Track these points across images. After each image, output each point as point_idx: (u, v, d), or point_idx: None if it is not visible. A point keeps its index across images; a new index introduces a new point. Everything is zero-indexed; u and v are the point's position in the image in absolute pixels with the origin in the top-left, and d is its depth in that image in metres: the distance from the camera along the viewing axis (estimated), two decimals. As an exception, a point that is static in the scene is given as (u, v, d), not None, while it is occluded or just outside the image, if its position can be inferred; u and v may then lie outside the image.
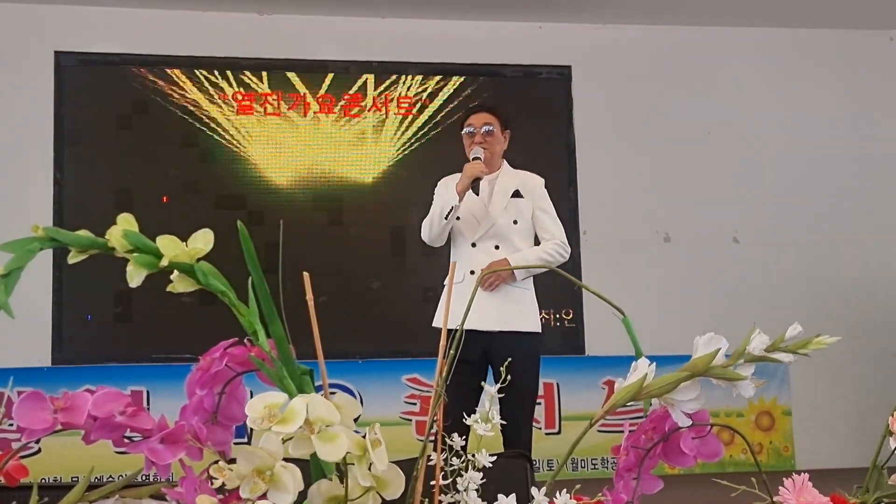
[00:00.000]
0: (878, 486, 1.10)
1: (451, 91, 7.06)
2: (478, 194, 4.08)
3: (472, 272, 4.06)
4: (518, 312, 4.14)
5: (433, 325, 4.26)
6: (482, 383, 1.06)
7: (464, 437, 1.04)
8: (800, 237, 7.26)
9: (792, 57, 7.49)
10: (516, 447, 3.77)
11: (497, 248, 4.17)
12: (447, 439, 0.99)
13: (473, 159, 4.13)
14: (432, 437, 0.98)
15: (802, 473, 1.01)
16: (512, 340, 4.06)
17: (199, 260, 0.87)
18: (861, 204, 7.38)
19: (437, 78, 7.08)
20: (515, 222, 4.22)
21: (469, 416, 1.02)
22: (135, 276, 0.86)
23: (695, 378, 0.93)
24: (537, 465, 6.36)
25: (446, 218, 4.05)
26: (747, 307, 6.80)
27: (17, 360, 6.06)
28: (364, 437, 0.83)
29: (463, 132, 4.30)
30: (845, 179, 7.40)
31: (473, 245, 4.17)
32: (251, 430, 0.82)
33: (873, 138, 7.52)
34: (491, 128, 4.28)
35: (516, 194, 4.23)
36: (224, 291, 0.87)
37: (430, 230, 4.13)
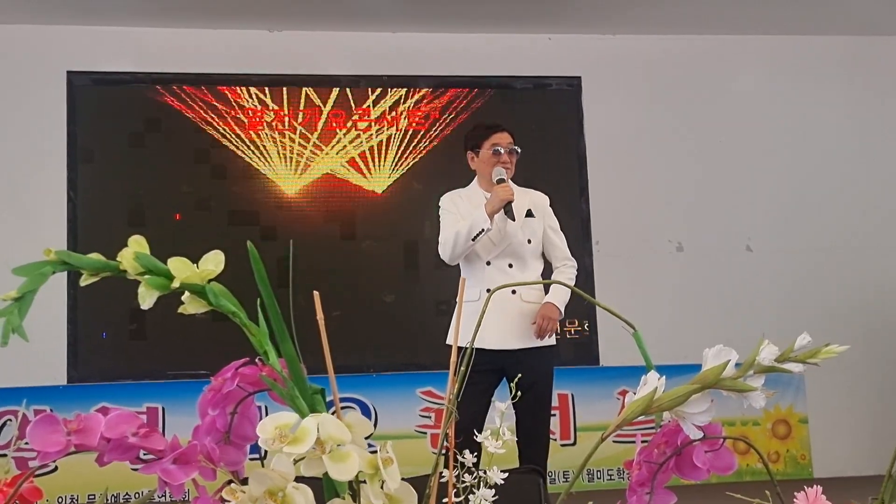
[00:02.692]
0: (894, 496, 1.09)
1: (462, 104, 7.08)
2: (514, 219, 4.10)
3: (488, 290, 4.05)
4: (533, 329, 4.16)
5: (447, 342, 4.26)
6: (505, 401, 1.06)
7: (475, 453, 1.04)
8: (813, 244, 7.24)
9: (802, 64, 7.48)
10: (535, 461, 3.78)
11: (511, 266, 4.19)
12: (459, 456, 1.00)
13: (498, 181, 4.12)
14: (444, 453, 0.98)
15: (816, 486, 1.01)
16: (530, 356, 4.08)
17: (210, 280, 0.88)
18: (874, 210, 7.36)
19: (448, 91, 7.09)
20: (529, 241, 4.24)
21: (481, 431, 1.02)
22: (146, 298, 0.86)
23: (705, 390, 0.93)
24: (553, 477, 6.34)
25: (473, 239, 4.06)
26: (761, 315, 6.78)
27: (33, 379, 6.09)
28: (376, 453, 0.84)
29: (486, 150, 4.28)
30: (858, 186, 7.38)
31: (488, 263, 4.18)
32: (266, 450, 0.82)
33: (885, 144, 7.50)
34: (516, 148, 4.31)
35: (529, 213, 4.25)
36: (235, 312, 0.88)
37: (454, 249, 4.12)
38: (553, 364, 4.26)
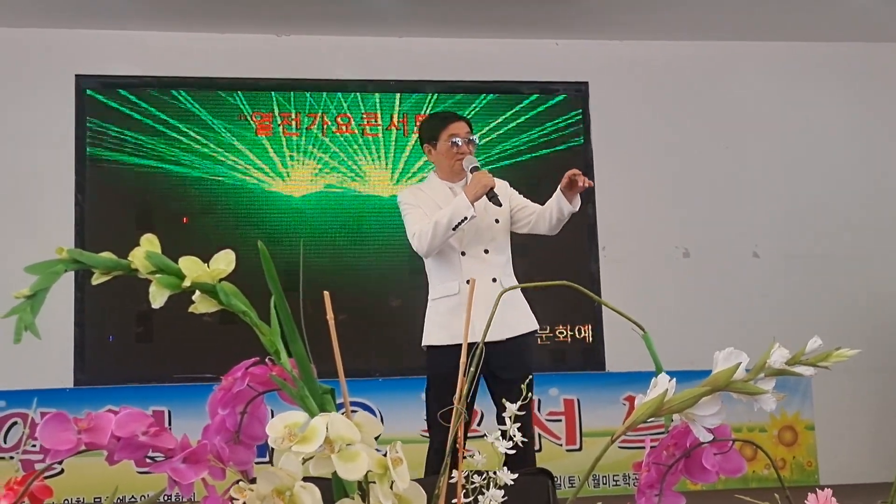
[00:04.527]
0: (903, 501, 1.09)
1: (469, 108, 7.08)
2: (500, 205, 3.98)
3: (468, 282, 3.93)
4: (515, 316, 4.03)
5: (423, 344, 4.12)
6: (506, 400, 1.05)
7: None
8: (820, 250, 7.22)
9: (809, 71, 7.47)
10: (524, 460, 3.69)
11: (487, 251, 4.09)
12: (468, 457, 0.99)
13: (472, 169, 4.03)
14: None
15: (826, 489, 1.00)
16: (512, 347, 3.96)
17: (220, 280, 0.88)
18: (880, 216, 7.34)
19: (455, 95, 7.10)
20: (497, 221, 4.13)
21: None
22: (158, 297, 0.86)
23: (715, 393, 0.93)
24: (559, 482, 6.33)
25: (454, 228, 3.93)
26: (768, 322, 6.76)
27: (40, 382, 6.10)
28: (385, 455, 0.84)
29: (443, 142, 4.17)
30: (864, 192, 7.36)
31: (463, 254, 4.07)
32: (272, 449, 0.82)
33: (891, 150, 7.48)
34: (474, 137, 4.22)
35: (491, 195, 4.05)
36: (246, 311, 0.88)
37: (433, 240, 3.96)
38: (534, 349, 4.16)
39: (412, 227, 4.10)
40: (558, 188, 4.01)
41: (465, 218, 3.91)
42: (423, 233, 4.00)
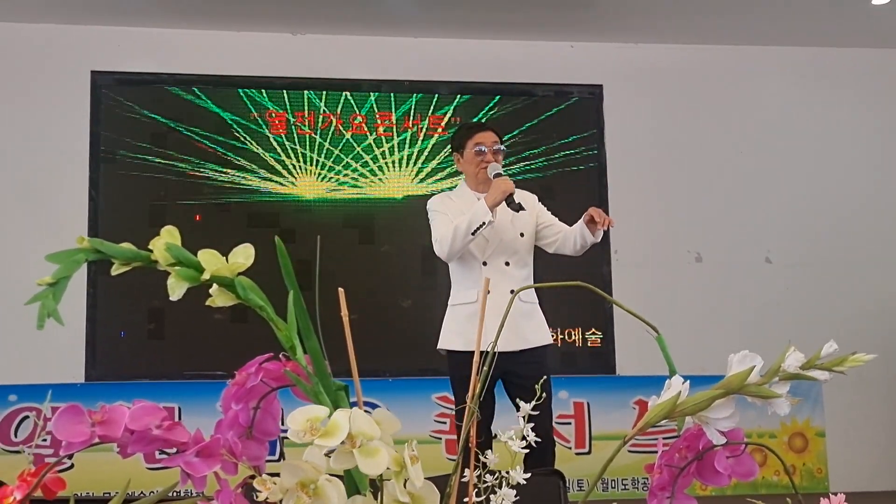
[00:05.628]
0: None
1: (483, 110, 7.08)
2: (517, 210, 4.02)
3: (489, 292, 4.00)
4: (531, 328, 4.13)
5: (438, 347, 4.24)
6: (520, 401, 1.05)
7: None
8: (832, 256, 7.20)
9: (824, 76, 7.45)
10: (543, 463, 3.73)
11: (508, 264, 4.15)
12: (481, 456, 0.99)
13: (495, 176, 4.08)
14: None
15: (839, 494, 1.00)
16: (529, 358, 4.04)
17: (238, 274, 0.88)
18: (893, 223, 7.31)
19: (469, 97, 7.10)
20: (522, 235, 4.19)
21: (482, 436, 1.02)
22: (176, 289, 0.87)
23: (729, 396, 0.93)
24: (567, 485, 6.32)
25: (473, 233, 3.99)
26: (780, 327, 6.74)
27: (51, 377, 6.12)
28: (401, 451, 0.84)
29: (469, 150, 4.26)
30: (877, 198, 7.34)
31: (485, 264, 4.13)
32: (281, 449, 0.82)
33: (907, 158, 7.46)
34: (501, 146, 4.29)
35: (520, 207, 4.10)
36: (262, 306, 0.88)
37: (452, 245, 4.05)
38: (550, 361, 4.23)
39: (436, 233, 4.19)
40: (581, 219, 4.08)
41: (484, 223, 3.97)
42: (444, 238, 4.09)
